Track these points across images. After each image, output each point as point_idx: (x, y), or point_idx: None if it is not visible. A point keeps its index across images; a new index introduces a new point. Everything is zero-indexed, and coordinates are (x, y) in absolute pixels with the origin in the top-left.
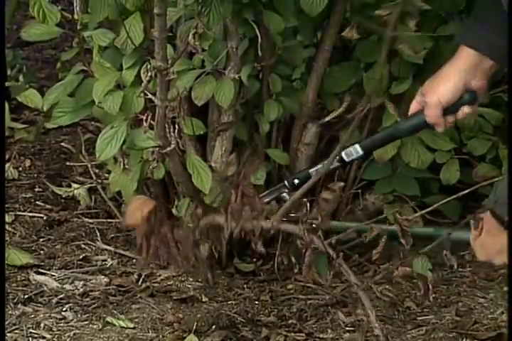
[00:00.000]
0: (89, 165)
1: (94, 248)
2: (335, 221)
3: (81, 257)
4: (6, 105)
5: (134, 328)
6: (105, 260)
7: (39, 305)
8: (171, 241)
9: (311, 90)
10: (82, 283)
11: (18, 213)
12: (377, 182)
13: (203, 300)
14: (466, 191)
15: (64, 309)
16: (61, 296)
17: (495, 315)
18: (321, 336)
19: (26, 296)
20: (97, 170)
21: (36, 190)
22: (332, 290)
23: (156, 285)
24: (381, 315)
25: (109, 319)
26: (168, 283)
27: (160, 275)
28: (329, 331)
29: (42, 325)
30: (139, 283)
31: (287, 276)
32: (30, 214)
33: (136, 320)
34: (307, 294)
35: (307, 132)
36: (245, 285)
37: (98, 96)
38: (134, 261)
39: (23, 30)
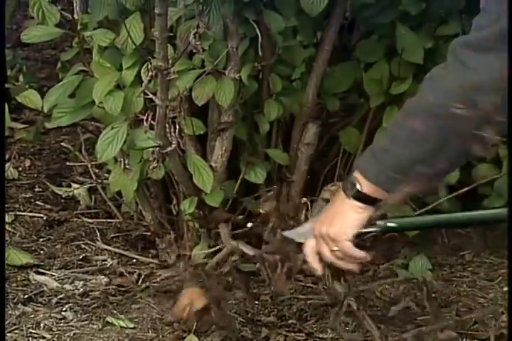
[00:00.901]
0: (89, 165)
1: (94, 248)
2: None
3: (81, 257)
4: (6, 105)
5: (134, 328)
6: (105, 260)
7: (39, 305)
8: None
9: (311, 90)
10: (82, 283)
11: (18, 213)
12: None
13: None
14: (465, 189)
15: (64, 309)
16: (61, 296)
17: (495, 315)
18: (321, 336)
19: (26, 296)
20: (97, 170)
21: (36, 190)
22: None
23: (156, 285)
24: (381, 315)
25: (109, 319)
26: (168, 283)
27: (160, 275)
28: (329, 331)
29: (42, 325)
30: (139, 283)
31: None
32: (30, 214)
33: (136, 320)
34: (307, 294)
35: (307, 132)
36: (245, 285)
37: (98, 97)
38: (134, 261)
39: (23, 32)
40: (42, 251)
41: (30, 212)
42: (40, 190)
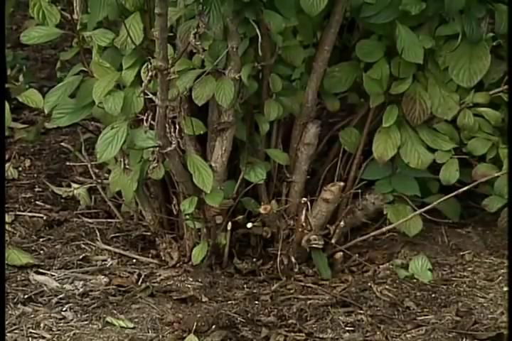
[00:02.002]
0: (89, 165)
1: (94, 248)
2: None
3: (81, 257)
4: (7, 105)
5: (133, 328)
6: (105, 260)
7: (39, 305)
8: None
9: (311, 90)
10: (82, 283)
11: (18, 213)
12: (377, 182)
13: (203, 300)
14: (465, 188)
15: (64, 309)
16: (61, 296)
17: (495, 315)
18: (320, 336)
19: (26, 296)
20: (96, 170)
21: (36, 190)
22: (332, 290)
23: (156, 285)
24: (381, 315)
25: (109, 319)
26: (168, 283)
27: (160, 275)
28: (329, 331)
29: (42, 324)
30: (139, 283)
31: (287, 276)
32: (30, 214)
33: (136, 319)
34: (307, 294)
35: (307, 132)
36: (245, 285)
37: (98, 97)
38: (134, 261)
39: (23, 33)
40: (42, 251)
41: (30, 212)
42: (40, 190)
